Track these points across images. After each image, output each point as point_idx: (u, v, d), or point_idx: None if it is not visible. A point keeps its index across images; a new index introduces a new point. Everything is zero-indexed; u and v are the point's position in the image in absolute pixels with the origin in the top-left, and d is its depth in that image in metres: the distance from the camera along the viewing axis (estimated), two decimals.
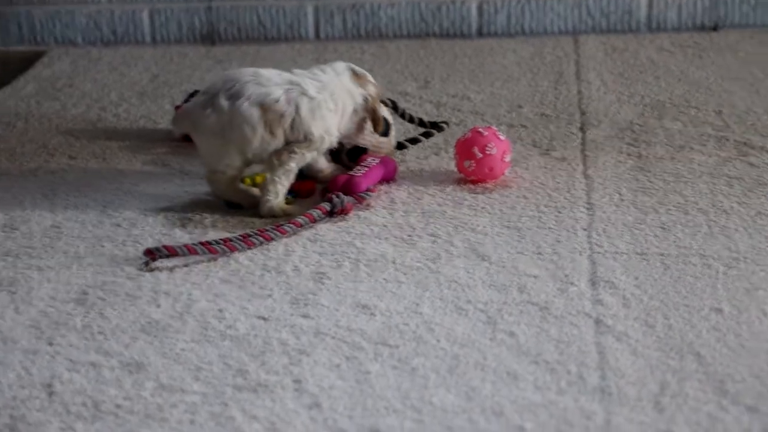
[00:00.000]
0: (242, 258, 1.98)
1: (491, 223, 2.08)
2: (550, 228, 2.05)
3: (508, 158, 2.25)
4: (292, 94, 2.10)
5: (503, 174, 2.26)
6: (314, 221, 2.09)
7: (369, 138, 2.31)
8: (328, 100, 2.13)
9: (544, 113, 2.64)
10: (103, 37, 3.31)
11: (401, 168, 2.34)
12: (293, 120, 2.10)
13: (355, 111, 2.19)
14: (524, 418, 1.51)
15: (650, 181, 2.24)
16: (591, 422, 1.50)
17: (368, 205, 2.17)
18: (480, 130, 2.25)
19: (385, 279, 1.89)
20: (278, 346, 1.71)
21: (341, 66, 2.19)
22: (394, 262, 1.95)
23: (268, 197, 2.13)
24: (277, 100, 2.09)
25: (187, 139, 2.49)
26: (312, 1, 3.25)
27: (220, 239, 2.00)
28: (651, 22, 3.24)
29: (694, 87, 2.78)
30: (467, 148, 2.23)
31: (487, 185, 2.25)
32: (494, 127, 2.32)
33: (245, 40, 3.28)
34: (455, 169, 2.28)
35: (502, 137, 2.25)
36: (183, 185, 2.31)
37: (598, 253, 1.96)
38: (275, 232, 2.03)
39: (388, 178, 2.28)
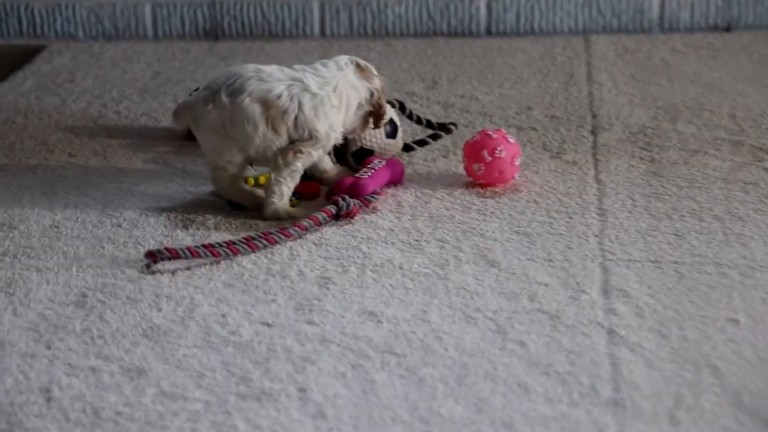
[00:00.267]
0: (246, 262, 1.96)
1: (501, 228, 2.07)
2: (561, 234, 2.04)
3: (517, 162, 2.23)
4: (294, 90, 2.09)
5: (513, 178, 2.25)
6: (319, 224, 2.07)
7: (375, 139, 2.29)
8: (332, 96, 2.12)
9: (555, 115, 2.62)
10: (105, 31, 3.30)
11: (408, 170, 2.32)
12: (296, 117, 2.09)
13: (360, 105, 2.17)
14: (535, 431, 1.50)
15: (663, 187, 2.22)
16: None
17: (375, 208, 2.15)
18: (489, 132, 2.23)
19: (392, 285, 1.88)
20: (283, 353, 1.69)
21: (344, 59, 2.17)
22: (401, 268, 1.93)
23: (272, 199, 2.11)
24: (279, 97, 2.08)
25: (190, 137, 2.47)
26: None
27: (224, 242, 1.99)
28: (663, 22, 3.23)
29: (707, 89, 2.76)
30: (476, 150, 2.21)
31: (497, 189, 2.23)
32: (503, 130, 2.30)
33: (249, 36, 3.26)
34: (464, 173, 2.27)
35: (511, 140, 2.23)
36: (185, 185, 2.29)
37: (611, 260, 1.94)
38: (279, 235, 2.02)
39: (395, 181, 2.26)
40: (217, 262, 1.96)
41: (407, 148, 2.40)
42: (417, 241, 2.03)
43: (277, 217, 2.10)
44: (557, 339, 1.70)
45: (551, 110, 2.66)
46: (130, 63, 3.09)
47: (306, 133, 2.10)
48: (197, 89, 2.47)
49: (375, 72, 2.20)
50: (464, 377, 1.62)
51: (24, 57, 3.17)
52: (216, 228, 2.10)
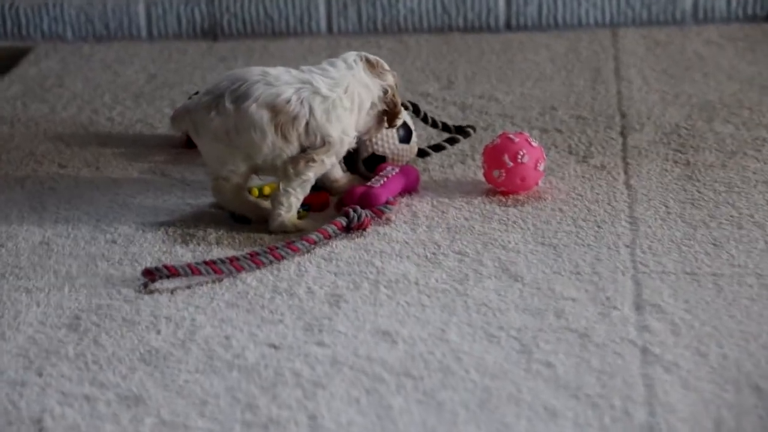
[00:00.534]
0: (250, 279, 1.98)
1: (524, 239, 2.07)
2: (589, 245, 2.04)
3: (541, 167, 2.24)
4: (303, 93, 2.10)
5: (536, 184, 2.25)
6: (329, 238, 2.08)
7: (388, 145, 2.30)
8: (343, 98, 2.13)
9: (581, 116, 2.63)
10: (95, 31, 3.32)
11: (424, 178, 2.33)
12: (307, 122, 2.10)
13: (373, 105, 2.18)
14: None
15: (699, 192, 2.23)
16: None
17: (388, 219, 2.16)
18: (510, 135, 2.24)
19: (407, 302, 1.89)
20: (291, 377, 1.70)
21: (352, 56, 2.18)
22: (417, 284, 1.94)
23: (279, 211, 2.12)
24: (288, 101, 2.08)
25: (189, 145, 2.49)
26: None
27: (226, 258, 2.00)
28: (697, 13, 3.23)
29: (746, 85, 2.77)
30: (496, 155, 2.22)
31: (519, 197, 2.24)
32: (526, 133, 2.31)
33: (251, 35, 3.28)
34: (483, 179, 2.28)
35: (534, 143, 2.24)
36: (185, 197, 2.30)
37: (643, 272, 1.94)
38: (286, 249, 2.03)
39: (410, 189, 2.27)
40: (220, 280, 1.97)
41: (422, 153, 2.41)
42: (434, 254, 2.04)
43: (284, 231, 2.12)
44: (586, 359, 1.71)
45: (577, 110, 2.66)
46: (123, 65, 3.11)
47: (318, 140, 2.11)
48: (196, 93, 2.49)
49: (387, 67, 2.21)
50: (486, 401, 1.62)
51: (8, 60, 3.19)
52: (218, 243, 2.11)
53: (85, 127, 2.70)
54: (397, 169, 2.25)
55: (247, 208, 2.17)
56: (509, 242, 2.06)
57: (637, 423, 1.57)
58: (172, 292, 1.94)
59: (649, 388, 1.64)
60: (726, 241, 2.03)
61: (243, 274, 1.99)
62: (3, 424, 1.62)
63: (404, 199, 2.24)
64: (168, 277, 1.95)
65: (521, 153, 2.21)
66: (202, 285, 1.96)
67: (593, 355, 1.72)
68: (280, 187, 2.13)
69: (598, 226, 2.11)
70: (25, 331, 1.85)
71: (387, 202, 2.17)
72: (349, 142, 2.16)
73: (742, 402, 1.60)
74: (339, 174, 2.26)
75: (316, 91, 2.10)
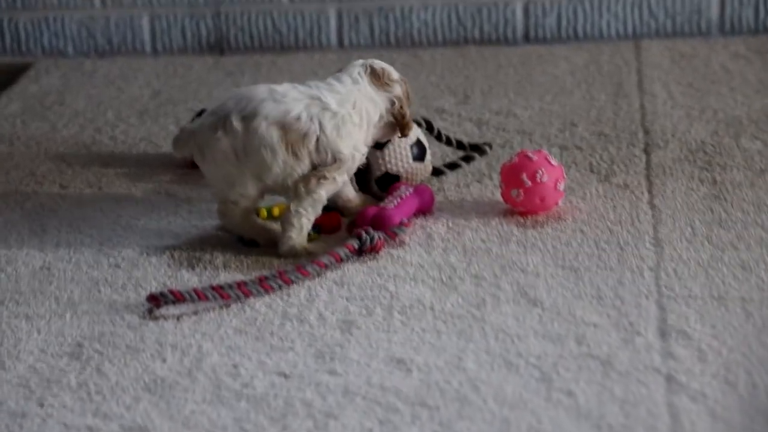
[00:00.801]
0: (259, 305, 1.99)
1: (543, 262, 2.08)
2: (611, 268, 2.05)
3: (561, 186, 2.25)
4: (313, 110, 2.12)
5: (556, 205, 2.26)
6: (341, 261, 2.09)
7: (401, 163, 2.31)
8: (352, 113, 2.15)
9: (602, 132, 2.64)
10: (98, 46, 3.34)
11: (439, 198, 2.34)
12: (318, 139, 2.11)
13: (381, 117, 2.20)
14: None
15: (727, 212, 2.23)
16: None
17: (402, 241, 2.17)
18: (529, 153, 2.25)
19: (422, 328, 1.89)
20: (301, 407, 1.71)
21: (357, 69, 2.20)
22: (432, 309, 1.95)
23: (290, 233, 2.13)
24: (298, 118, 2.10)
25: (195, 165, 2.49)
26: (334, 4, 3.27)
27: (234, 283, 2.01)
28: (724, 24, 3.24)
29: None
30: (514, 174, 2.23)
31: (538, 218, 2.24)
32: (545, 150, 2.32)
33: (259, 50, 3.30)
34: (501, 199, 2.28)
35: (554, 162, 2.25)
36: (191, 219, 2.32)
37: (668, 297, 1.95)
38: (296, 274, 2.04)
39: (424, 210, 2.28)
40: (228, 306, 1.98)
41: (437, 172, 2.42)
42: (450, 278, 2.05)
43: (295, 255, 2.13)
44: (609, 387, 1.71)
45: (598, 126, 2.67)
46: (127, 81, 3.13)
47: (329, 157, 2.13)
48: (201, 111, 2.51)
49: (395, 76, 2.23)
50: None
51: (7, 77, 3.21)
52: (225, 267, 2.12)
53: (87, 146, 2.72)
54: (411, 189, 2.26)
55: (256, 232, 2.18)
56: (528, 265, 2.07)
57: None
58: (177, 319, 1.95)
59: (675, 418, 1.64)
60: (755, 264, 2.04)
61: (251, 300, 2.00)
62: None
63: (418, 221, 2.25)
64: (173, 302, 1.96)
65: (540, 172, 2.22)
66: (209, 311, 1.97)
67: (616, 383, 1.72)
68: (291, 208, 2.14)
69: (621, 248, 2.11)
70: (25, 359, 1.86)
71: (401, 224, 2.18)
72: (359, 159, 2.17)
73: None
74: (351, 194, 2.28)
75: (325, 107, 2.12)
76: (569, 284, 2.00)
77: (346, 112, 2.14)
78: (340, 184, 2.16)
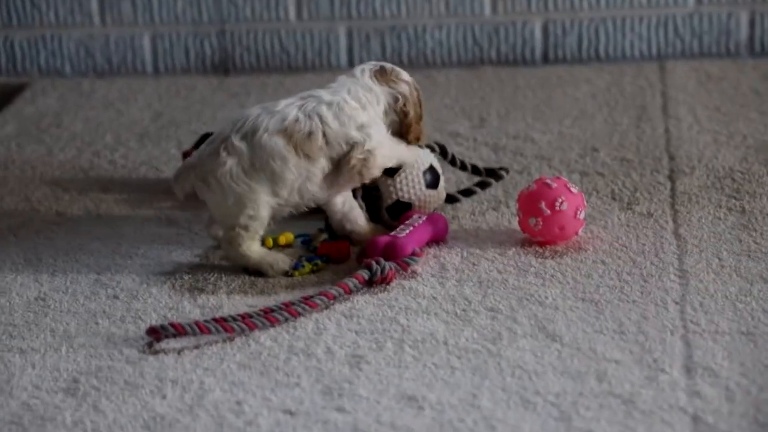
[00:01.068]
0: (264, 338, 1.99)
1: (563, 294, 2.08)
2: (634, 301, 2.05)
3: (581, 215, 2.25)
4: (308, 107, 2.18)
5: (576, 234, 2.26)
6: (350, 292, 2.10)
7: (414, 190, 2.32)
8: (347, 98, 2.20)
9: (625, 158, 2.64)
10: (96, 66, 3.36)
11: (453, 226, 2.34)
12: (324, 133, 2.16)
13: (385, 112, 2.23)
14: None
15: (756, 242, 2.23)
16: None
17: (414, 272, 2.18)
18: (547, 180, 2.25)
19: (435, 364, 1.89)
20: None
21: (359, 68, 2.27)
22: (445, 344, 1.95)
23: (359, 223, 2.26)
24: (296, 120, 2.17)
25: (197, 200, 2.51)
26: (344, 23, 3.28)
27: (238, 315, 2.01)
28: (753, 45, 3.25)
29: None
30: (532, 202, 2.23)
31: (557, 248, 2.25)
32: (564, 177, 2.32)
33: (265, 70, 3.31)
34: (518, 228, 2.29)
35: (574, 189, 2.26)
36: (193, 247, 2.32)
37: (694, 332, 1.95)
38: (303, 305, 2.04)
39: (438, 239, 2.28)
40: (231, 339, 1.99)
41: (451, 199, 2.43)
42: (464, 311, 2.05)
43: (360, 240, 2.23)
44: (632, 427, 1.71)
45: (621, 152, 2.67)
46: (127, 103, 3.15)
47: (344, 145, 2.17)
48: (205, 135, 2.52)
49: (404, 77, 2.27)
50: None
51: (2, 97, 3.23)
52: (229, 298, 2.12)
53: (84, 171, 2.73)
54: (423, 218, 2.27)
55: (263, 261, 2.18)
56: (547, 298, 2.07)
57: None
58: (178, 353, 1.96)
59: None
60: None
61: (256, 333, 2.00)
62: None
63: (431, 250, 2.26)
64: (174, 336, 1.97)
65: (560, 200, 2.22)
66: (211, 345, 1.97)
67: (639, 423, 1.72)
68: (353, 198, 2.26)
69: (645, 280, 2.11)
70: (18, 396, 1.87)
71: (413, 254, 2.19)
72: (378, 133, 2.20)
73: None
74: (361, 220, 2.28)
75: (319, 101, 2.19)
76: (590, 318, 2.00)
77: (340, 99, 2.20)
78: (381, 150, 2.19)
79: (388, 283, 2.14)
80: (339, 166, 2.19)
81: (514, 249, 2.25)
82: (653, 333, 1.95)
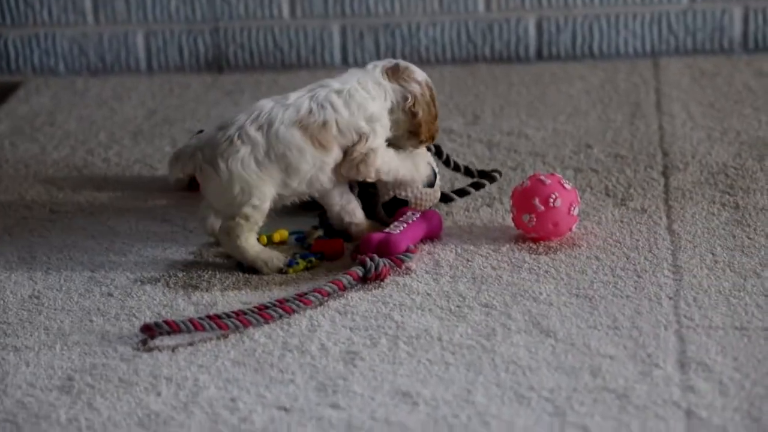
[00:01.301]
0: (258, 335, 1.99)
1: (557, 290, 2.09)
2: (628, 296, 2.05)
3: (575, 211, 2.25)
4: (319, 96, 2.20)
5: (570, 230, 2.27)
6: (344, 289, 2.10)
7: (410, 188, 2.32)
8: (357, 87, 2.22)
9: (619, 154, 2.64)
10: (90, 64, 3.36)
11: (447, 223, 2.35)
12: (337, 121, 2.19)
13: (391, 110, 2.24)
14: None
15: (750, 238, 2.24)
16: None
17: (408, 269, 2.18)
18: (541, 177, 2.26)
19: (429, 360, 1.90)
20: None
21: (372, 63, 2.29)
22: (440, 340, 1.95)
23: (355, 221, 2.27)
24: (310, 111, 2.19)
25: (191, 187, 2.51)
26: (338, 20, 3.29)
27: (232, 312, 2.02)
28: (747, 41, 3.25)
29: None
30: (526, 199, 2.24)
31: (551, 244, 2.25)
32: (558, 174, 2.32)
33: (259, 67, 3.31)
34: (512, 225, 2.29)
35: (568, 186, 2.26)
36: (187, 245, 2.33)
37: (688, 327, 1.95)
38: (297, 302, 2.05)
39: (432, 236, 2.29)
40: (225, 336, 1.99)
41: (445, 198, 2.43)
42: (458, 307, 2.05)
43: (358, 232, 2.25)
44: (626, 422, 1.71)
45: (614, 148, 2.68)
46: (120, 101, 3.15)
47: (353, 135, 2.20)
48: (200, 131, 2.52)
49: (418, 77, 2.28)
50: None
51: None
52: (223, 295, 2.13)
53: (78, 169, 2.73)
54: (417, 214, 2.27)
55: (258, 257, 2.18)
56: (541, 294, 2.08)
57: None
58: (173, 350, 1.96)
59: None
60: None
61: (250, 330, 2.00)
62: None
63: (426, 247, 2.26)
64: (169, 333, 1.97)
65: (553, 196, 2.23)
66: (205, 342, 1.98)
67: (633, 418, 1.72)
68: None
69: (638, 276, 2.12)
70: (12, 394, 1.87)
71: (407, 250, 2.19)
72: (382, 131, 2.22)
73: None
74: (360, 214, 2.29)
75: (330, 89, 2.21)
76: (584, 314, 2.00)
77: (350, 86, 2.22)
78: (383, 152, 2.22)
79: (382, 280, 2.14)
80: (344, 155, 2.21)
81: (508, 245, 2.25)
82: (647, 328, 1.95)
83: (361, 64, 3.27)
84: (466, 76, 3.18)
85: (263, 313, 2.02)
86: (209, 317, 2.00)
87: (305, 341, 1.97)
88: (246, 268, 2.20)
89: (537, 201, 2.22)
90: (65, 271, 2.24)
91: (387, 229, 2.22)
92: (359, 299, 2.09)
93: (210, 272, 2.21)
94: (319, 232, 2.31)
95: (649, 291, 2.06)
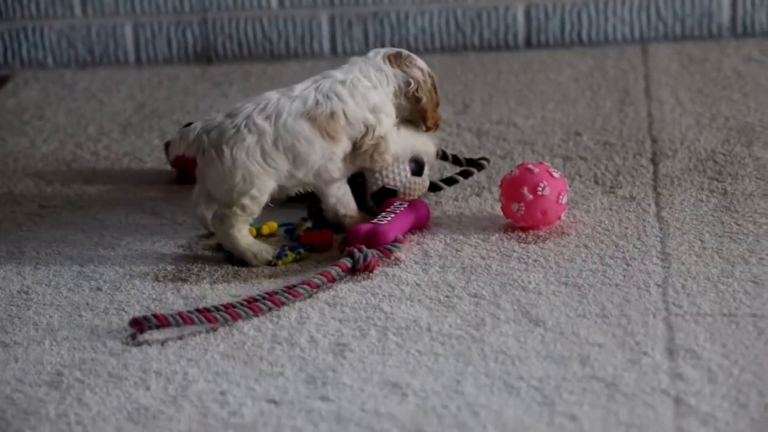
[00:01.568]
0: (247, 328, 1.99)
1: (545, 279, 2.09)
2: (617, 284, 2.05)
3: (564, 199, 2.25)
4: (323, 87, 2.21)
5: (559, 219, 2.27)
6: (333, 281, 2.10)
7: (399, 177, 2.32)
8: (360, 77, 2.23)
9: (608, 142, 2.64)
10: (78, 57, 3.35)
11: (436, 212, 2.35)
12: (344, 111, 2.19)
13: (395, 94, 2.25)
14: None
15: (738, 224, 2.24)
16: None
17: (397, 259, 2.18)
18: (530, 166, 2.26)
19: (418, 351, 1.90)
20: None
21: (374, 51, 2.29)
22: (429, 330, 1.96)
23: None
24: (317, 103, 2.20)
25: (181, 180, 2.51)
26: (327, 10, 3.28)
27: (221, 305, 2.02)
28: (736, 27, 3.25)
29: None
30: (515, 187, 2.24)
31: (540, 233, 2.25)
32: (547, 162, 2.32)
33: (248, 58, 3.31)
34: (501, 214, 2.29)
35: (556, 174, 2.26)
36: (176, 238, 2.32)
37: (676, 314, 1.95)
38: (286, 295, 2.05)
39: (420, 225, 2.29)
40: (214, 330, 1.99)
41: (434, 187, 2.43)
42: (447, 297, 2.05)
43: (353, 224, 2.24)
44: (614, 411, 1.72)
45: (603, 135, 2.68)
46: (109, 94, 3.14)
47: (360, 126, 2.21)
48: (188, 124, 2.51)
49: (418, 63, 2.29)
50: None
51: None
52: (212, 289, 2.13)
53: (67, 163, 2.73)
54: (405, 204, 2.27)
55: (249, 248, 2.18)
56: (529, 283, 2.08)
57: None
58: (162, 344, 1.96)
59: None
60: (767, 278, 2.04)
61: (239, 323, 2.00)
62: None
63: (414, 237, 2.26)
64: (158, 327, 1.97)
65: (542, 185, 2.23)
66: (194, 335, 1.98)
67: (622, 406, 1.73)
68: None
69: (627, 264, 2.12)
70: (1, 390, 1.87)
71: (395, 241, 2.19)
72: (388, 122, 2.22)
73: None
74: (354, 208, 2.29)
75: (334, 80, 2.22)
76: (572, 302, 2.01)
77: (353, 77, 2.22)
78: (393, 136, 2.23)
79: (371, 271, 2.14)
80: (355, 148, 2.22)
81: (497, 234, 2.25)
82: (636, 316, 1.95)
83: (350, 53, 3.28)
84: (454, 65, 3.17)
85: (252, 306, 2.02)
86: (198, 311, 1.99)
87: (294, 334, 1.97)
88: (235, 260, 2.20)
89: (525, 190, 2.22)
90: (54, 266, 2.24)
91: (374, 220, 2.22)
92: (348, 291, 2.09)
93: (199, 265, 2.21)
94: (308, 224, 2.31)
95: (638, 279, 2.07)
